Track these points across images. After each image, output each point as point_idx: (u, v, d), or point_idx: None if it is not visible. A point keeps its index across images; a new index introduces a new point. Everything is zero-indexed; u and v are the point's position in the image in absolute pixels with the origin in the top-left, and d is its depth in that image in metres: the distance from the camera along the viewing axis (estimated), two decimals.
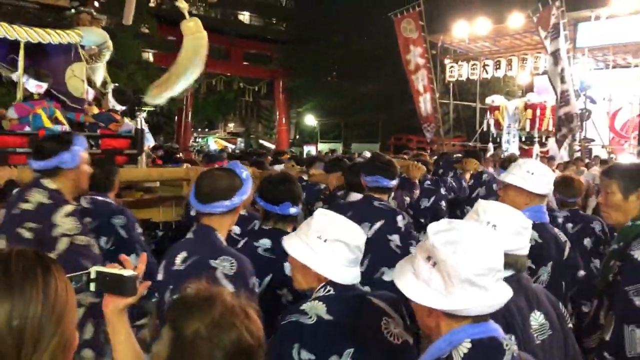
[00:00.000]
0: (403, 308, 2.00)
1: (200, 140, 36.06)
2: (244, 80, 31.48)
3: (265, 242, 2.67)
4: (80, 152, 2.76)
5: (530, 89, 21.42)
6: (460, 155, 7.51)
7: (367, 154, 13.69)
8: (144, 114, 4.25)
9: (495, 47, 20.78)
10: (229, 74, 30.20)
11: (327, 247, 1.92)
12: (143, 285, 1.60)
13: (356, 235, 1.98)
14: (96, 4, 4.48)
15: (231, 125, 41.31)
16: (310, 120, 33.38)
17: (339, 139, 32.51)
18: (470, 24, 18.80)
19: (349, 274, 1.96)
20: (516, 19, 17.99)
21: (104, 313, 1.59)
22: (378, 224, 3.25)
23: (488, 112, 20.49)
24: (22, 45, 3.85)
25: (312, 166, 5.35)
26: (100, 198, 3.26)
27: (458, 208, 5.71)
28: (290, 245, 1.99)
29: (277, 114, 33.49)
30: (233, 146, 29.76)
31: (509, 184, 2.94)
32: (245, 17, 35.52)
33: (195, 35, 4.19)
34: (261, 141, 36.22)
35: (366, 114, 29.36)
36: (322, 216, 2.01)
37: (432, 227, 1.45)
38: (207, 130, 39.73)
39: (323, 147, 29.39)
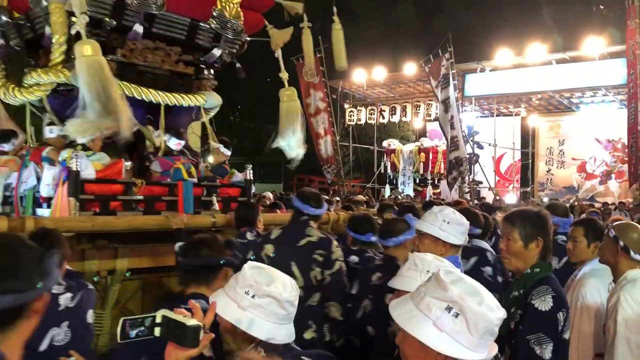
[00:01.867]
0: None
1: None
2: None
3: (354, 258, 3.82)
4: (326, 206, 3.95)
5: (423, 133, 22.64)
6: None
7: (269, 195, 13.70)
8: (250, 167, 5.02)
9: (391, 94, 21.82)
10: None
11: (255, 303, 1.76)
12: (206, 337, 1.48)
13: (287, 289, 1.81)
14: (212, 71, 5.01)
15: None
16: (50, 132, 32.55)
17: None
18: (368, 71, 19.65)
19: (281, 333, 1.79)
20: (410, 68, 19.06)
21: None
22: (472, 260, 3.81)
23: (385, 155, 21.35)
24: (162, 108, 4.47)
25: (385, 212, 5.50)
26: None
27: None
28: (217, 303, 1.77)
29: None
30: None
31: (424, 232, 2.90)
32: None
33: (289, 104, 4.93)
34: None
35: (269, 155, 29.45)
36: (251, 269, 1.83)
37: (448, 277, 1.45)
38: None
39: None
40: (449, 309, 1.40)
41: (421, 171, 20.21)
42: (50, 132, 4.29)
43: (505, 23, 25.77)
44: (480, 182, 18.87)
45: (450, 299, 1.40)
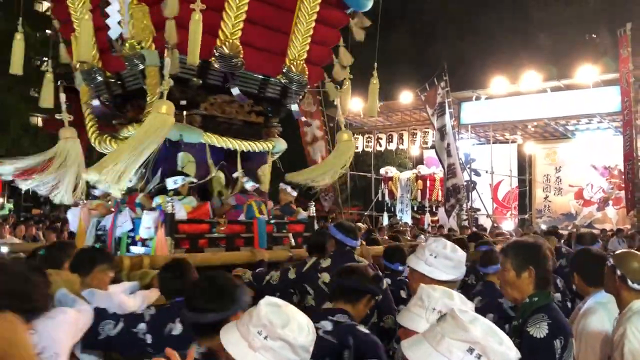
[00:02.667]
0: None
1: None
2: None
3: (388, 281, 4.20)
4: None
5: (420, 161, 22.70)
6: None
7: None
8: (313, 205, 5.68)
9: (388, 122, 21.94)
10: None
11: (267, 345, 1.64)
12: None
13: (303, 332, 1.69)
14: (277, 119, 5.65)
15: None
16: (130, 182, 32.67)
17: None
18: (365, 99, 19.76)
19: None
20: (406, 97, 19.21)
21: None
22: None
23: (382, 183, 21.36)
24: (239, 153, 5.12)
25: None
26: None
27: None
28: (227, 338, 1.70)
29: None
30: None
31: (412, 268, 2.84)
32: None
33: (346, 143, 5.50)
34: None
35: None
36: (267, 307, 1.70)
37: (466, 317, 1.43)
38: None
39: None
40: (470, 350, 1.38)
41: (419, 198, 20.17)
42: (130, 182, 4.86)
43: (499, 52, 26.14)
44: (478, 210, 18.82)
45: (472, 340, 1.38)
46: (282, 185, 5.66)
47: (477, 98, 18.99)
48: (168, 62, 4.19)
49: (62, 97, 5.21)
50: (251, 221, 4.88)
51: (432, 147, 18.40)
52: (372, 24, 5.78)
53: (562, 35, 27.75)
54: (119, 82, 5.03)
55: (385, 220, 19.37)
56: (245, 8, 4.70)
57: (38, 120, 24.06)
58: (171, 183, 4.59)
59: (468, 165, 18.43)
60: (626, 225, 15.67)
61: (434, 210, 19.90)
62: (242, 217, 4.99)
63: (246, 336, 1.67)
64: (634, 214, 15.09)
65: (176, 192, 4.59)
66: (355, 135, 21.59)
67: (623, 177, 16.34)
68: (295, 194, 5.72)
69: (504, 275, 2.57)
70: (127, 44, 4.54)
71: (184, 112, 4.79)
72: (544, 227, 17.09)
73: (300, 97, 5.66)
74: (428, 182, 19.91)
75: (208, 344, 2.08)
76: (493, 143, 20.38)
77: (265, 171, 5.47)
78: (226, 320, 2.03)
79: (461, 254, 2.81)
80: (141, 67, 4.57)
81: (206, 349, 2.07)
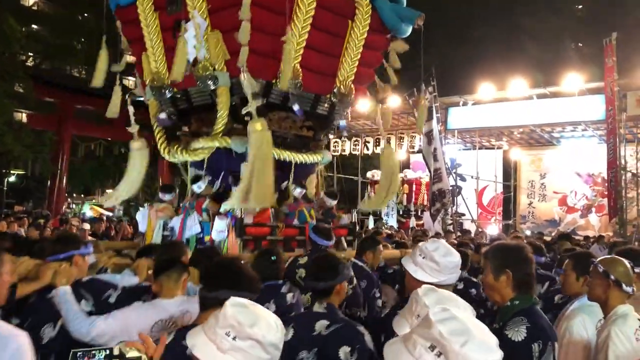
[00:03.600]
0: None
1: (74, 206, 33.76)
2: (125, 146, 30.17)
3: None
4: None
5: (406, 165, 22.75)
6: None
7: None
8: (355, 212, 5.87)
9: (375, 125, 21.94)
10: (109, 139, 28.94)
11: (236, 345, 1.61)
12: None
13: (272, 330, 1.67)
14: (324, 133, 6.11)
15: (109, 191, 39.30)
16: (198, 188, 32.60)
17: None
18: (352, 103, 19.78)
19: None
20: (394, 101, 19.23)
21: None
22: (546, 285, 4.44)
23: (369, 186, 21.39)
24: (293, 164, 5.61)
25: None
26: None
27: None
28: (194, 343, 1.67)
29: (160, 181, 32.30)
30: (110, 214, 28.11)
31: (403, 266, 2.84)
32: (131, 82, 34.55)
33: (388, 160, 6.24)
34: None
35: None
36: (233, 307, 1.67)
37: (435, 315, 1.43)
38: (82, 196, 37.31)
39: None
40: (432, 347, 1.39)
41: (404, 202, 20.26)
42: (199, 188, 5.50)
43: (487, 58, 26.34)
44: (463, 214, 18.93)
45: (432, 337, 1.40)
46: (320, 195, 6.10)
47: (464, 103, 19.10)
48: (249, 84, 4.58)
49: (131, 109, 5.74)
50: (303, 225, 5.48)
51: (419, 151, 18.47)
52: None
53: (548, 43, 28.04)
54: (184, 98, 5.63)
55: (371, 224, 19.40)
56: (306, 36, 5.27)
57: (22, 116, 23.74)
58: None
59: (454, 170, 18.51)
60: (608, 232, 15.83)
61: (419, 214, 19.99)
62: (294, 222, 5.55)
63: (214, 339, 1.64)
64: (616, 222, 15.25)
65: None
66: (343, 138, 21.65)
67: (606, 184, 16.51)
68: (333, 202, 6.18)
69: (485, 278, 2.55)
70: (200, 65, 5.04)
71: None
72: (528, 232, 17.22)
73: (345, 113, 6.34)
74: (414, 186, 19.99)
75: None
76: (479, 149, 20.51)
77: (312, 180, 6.00)
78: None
79: (451, 260, 2.75)
80: (212, 86, 5.11)
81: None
